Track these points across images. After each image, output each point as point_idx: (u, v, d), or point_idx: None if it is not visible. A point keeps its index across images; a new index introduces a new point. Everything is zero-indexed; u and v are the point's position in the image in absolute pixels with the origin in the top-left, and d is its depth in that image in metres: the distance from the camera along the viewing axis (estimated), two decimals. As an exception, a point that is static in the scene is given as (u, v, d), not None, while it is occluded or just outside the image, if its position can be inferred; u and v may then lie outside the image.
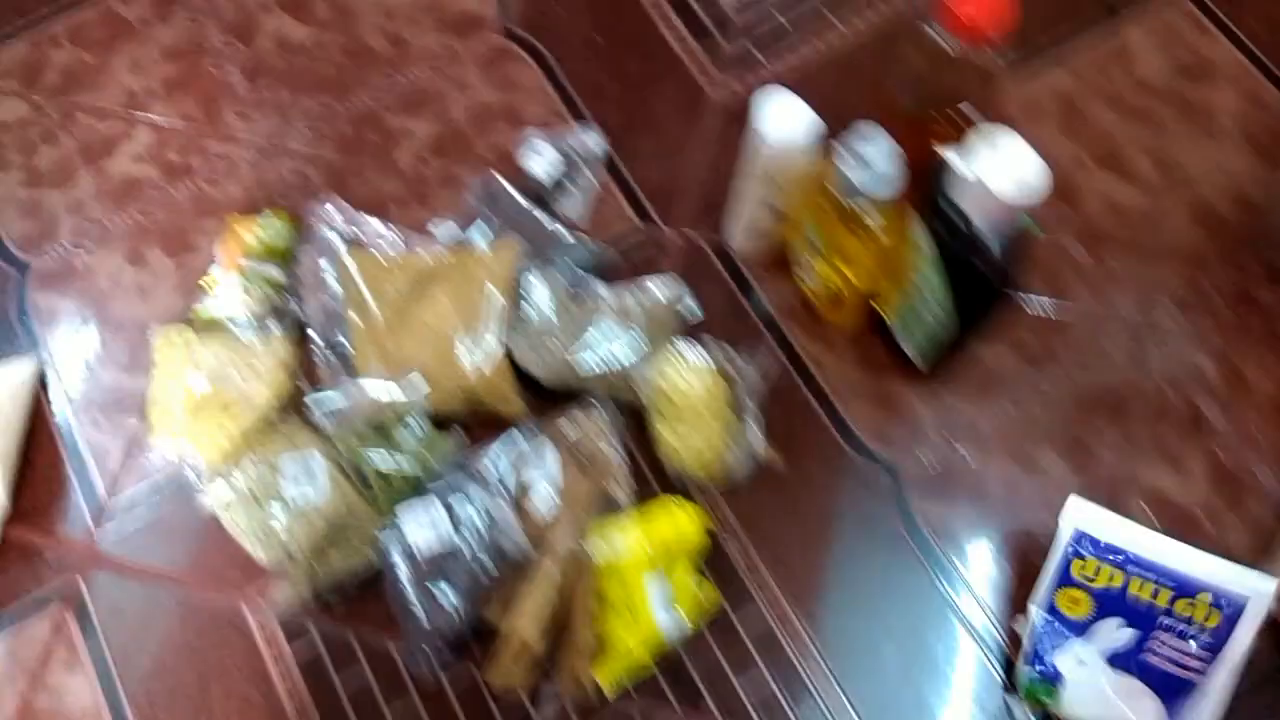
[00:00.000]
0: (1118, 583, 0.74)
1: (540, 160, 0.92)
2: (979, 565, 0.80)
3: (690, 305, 0.87)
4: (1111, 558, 0.74)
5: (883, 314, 0.84)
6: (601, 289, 0.85)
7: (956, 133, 0.73)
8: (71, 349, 0.90)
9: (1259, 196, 0.91)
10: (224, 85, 1.01)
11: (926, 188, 0.70)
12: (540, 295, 0.83)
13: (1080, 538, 0.76)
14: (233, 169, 0.96)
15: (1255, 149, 0.93)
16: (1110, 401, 0.85)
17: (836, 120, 0.76)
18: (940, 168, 0.67)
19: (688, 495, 0.81)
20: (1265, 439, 0.83)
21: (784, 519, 0.82)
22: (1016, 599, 0.78)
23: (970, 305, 0.72)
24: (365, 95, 0.99)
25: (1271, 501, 0.81)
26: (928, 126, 0.73)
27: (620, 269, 0.90)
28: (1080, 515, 0.77)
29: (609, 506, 0.79)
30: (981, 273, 0.68)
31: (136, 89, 1.01)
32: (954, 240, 0.68)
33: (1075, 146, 0.94)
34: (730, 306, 0.89)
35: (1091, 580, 0.74)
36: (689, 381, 0.80)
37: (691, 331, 0.87)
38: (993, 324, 0.77)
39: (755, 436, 0.81)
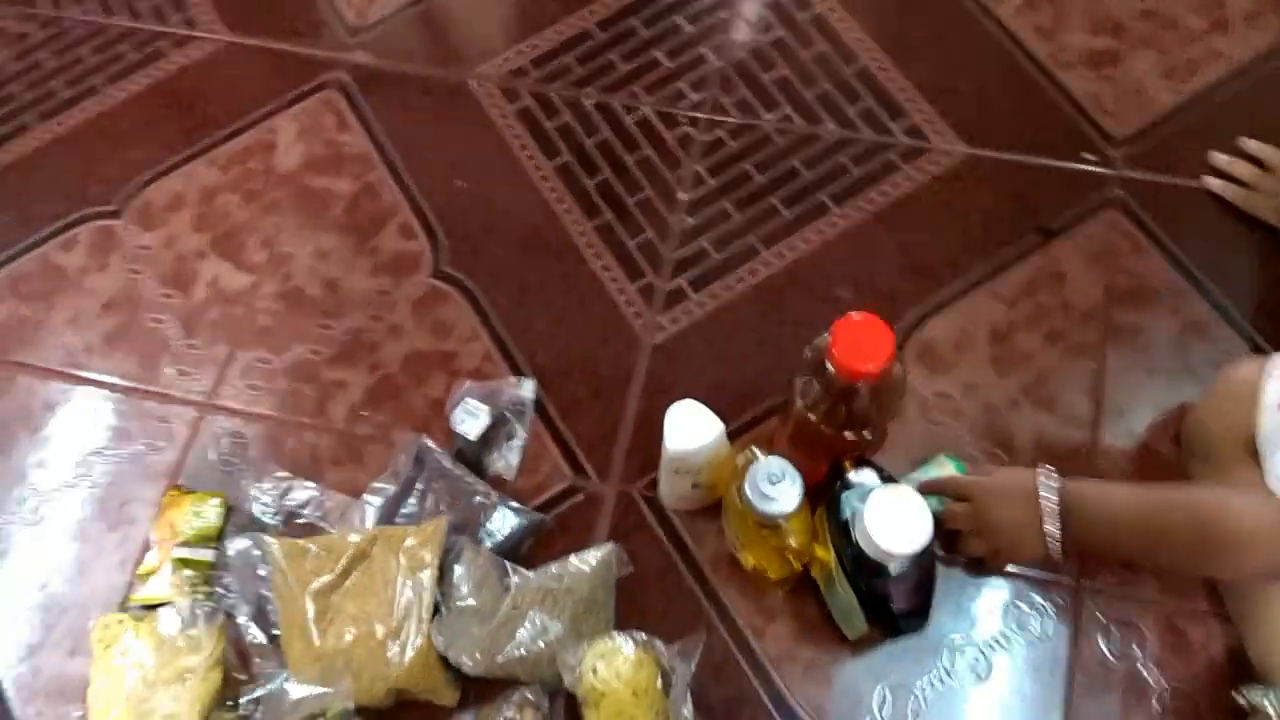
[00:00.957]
0: None
1: (470, 418, 0.92)
2: None
3: (619, 573, 0.86)
4: None
5: (816, 581, 0.83)
6: (528, 573, 0.85)
7: (854, 453, 0.72)
8: (12, 635, 0.90)
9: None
10: (162, 339, 1.01)
11: (830, 507, 0.69)
12: (464, 581, 0.83)
13: None
14: (171, 432, 0.97)
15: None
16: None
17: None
18: (838, 491, 0.67)
19: (622, 785, 0.81)
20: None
21: (720, 807, 0.81)
22: None
23: (880, 615, 0.71)
24: (301, 346, 1.00)
25: None
26: (832, 442, 0.72)
27: (552, 530, 0.90)
28: None
29: (540, 813, 0.78)
30: (882, 599, 0.67)
31: (76, 345, 1.02)
32: (856, 565, 0.67)
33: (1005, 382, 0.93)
34: (666, 568, 0.88)
35: None
36: (618, 675, 0.79)
37: (626, 597, 0.86)
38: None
39: (688, 724, 0.80)
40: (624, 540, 0.88)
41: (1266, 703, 0.74)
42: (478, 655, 0.81)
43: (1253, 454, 0.77)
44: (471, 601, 0.83)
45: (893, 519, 0.62)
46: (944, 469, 0.86)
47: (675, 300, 0.99)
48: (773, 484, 0.67)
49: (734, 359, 0.95)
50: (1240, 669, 0.79)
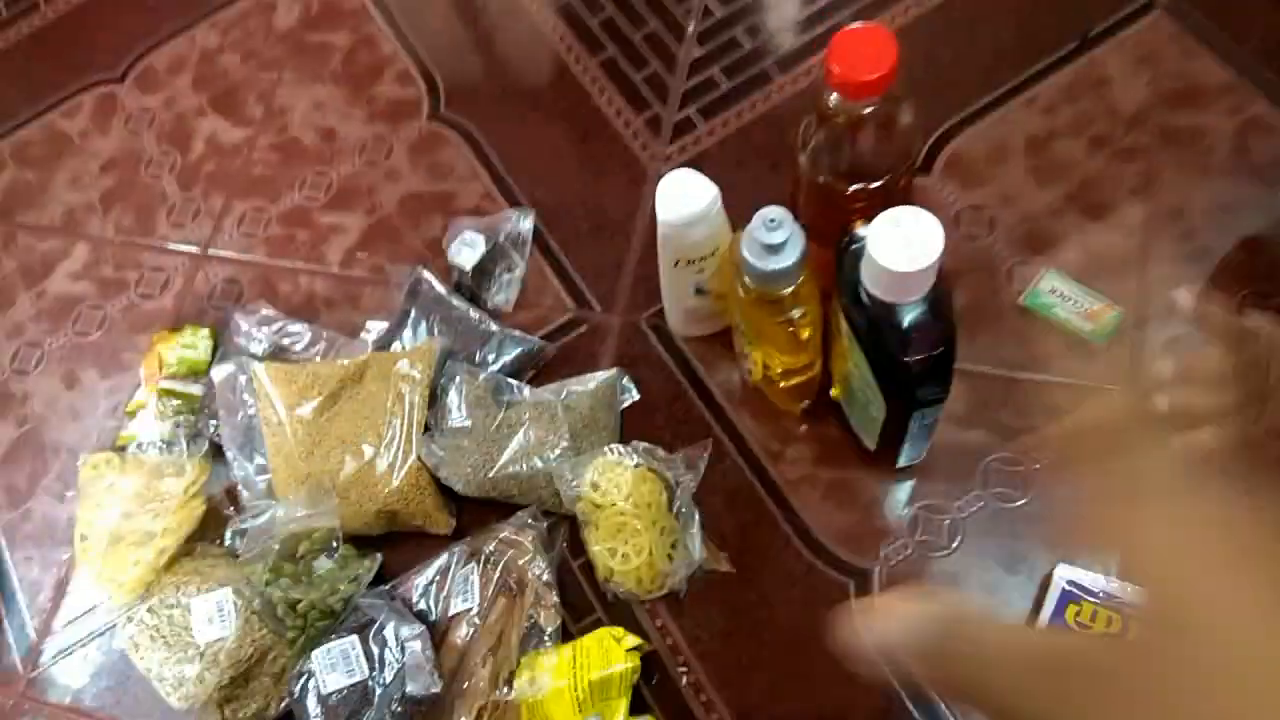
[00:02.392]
0: (1116, 627, 0.68)
1: (466, 249, 0.87)
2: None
3: (623, 399, 0.80)
4: (1109, 601, 0.69)
5: (834, 393, 0.76)
6: (525, 389, 0.80)
7: (869, 209, 0.66)
8: (4, 483, 0.88)
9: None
10: (159, 194, 0.99)
11: (840, 269, 0.63)
12: (458, 401, 0.78)
13: (1074, 585, 0.70)
14: (166, 281, 0.94)
15: None
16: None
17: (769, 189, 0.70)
18: (846, 249, 0.60)
19: (628, 612, 0.75)
20: None
21: (734, 633, 0.74)
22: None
23: (897, 391, 0.63)
24: (296, 193, 0.96)
25: None
26: (839, 201, 0.65)
27: (554, 361, 0.84)
28: (1070, 572, 0.71)
29: (537, 637, 0.72)
30: (899, 360, 0.60)
31: (75, 204, 1.00)
32: (869, 325, 0.60)
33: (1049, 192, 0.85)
34: (675, 395, 0.82)
35: (1089, 627, 0.68)
36: (618, 489, 0.73)
37: (633, 425, 0.80)
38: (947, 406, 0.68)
39: (695, 545, 0.74)
40: (631, 369, 0.83)
41: None
42: (469, 472, 0.76)
43: None
44: (465, 421, 0.78)
45: (899, 237, 0.54)
46: (1063, 282, 0.79)
47: (683, 130, 0.93)
48: (771, 230, 0.60)
49: (746, 186, 0.86)
50: None
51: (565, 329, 0.86)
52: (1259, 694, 0.20)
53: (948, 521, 0.75)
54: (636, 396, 0.81)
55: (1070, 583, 0.70)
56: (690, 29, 0.97)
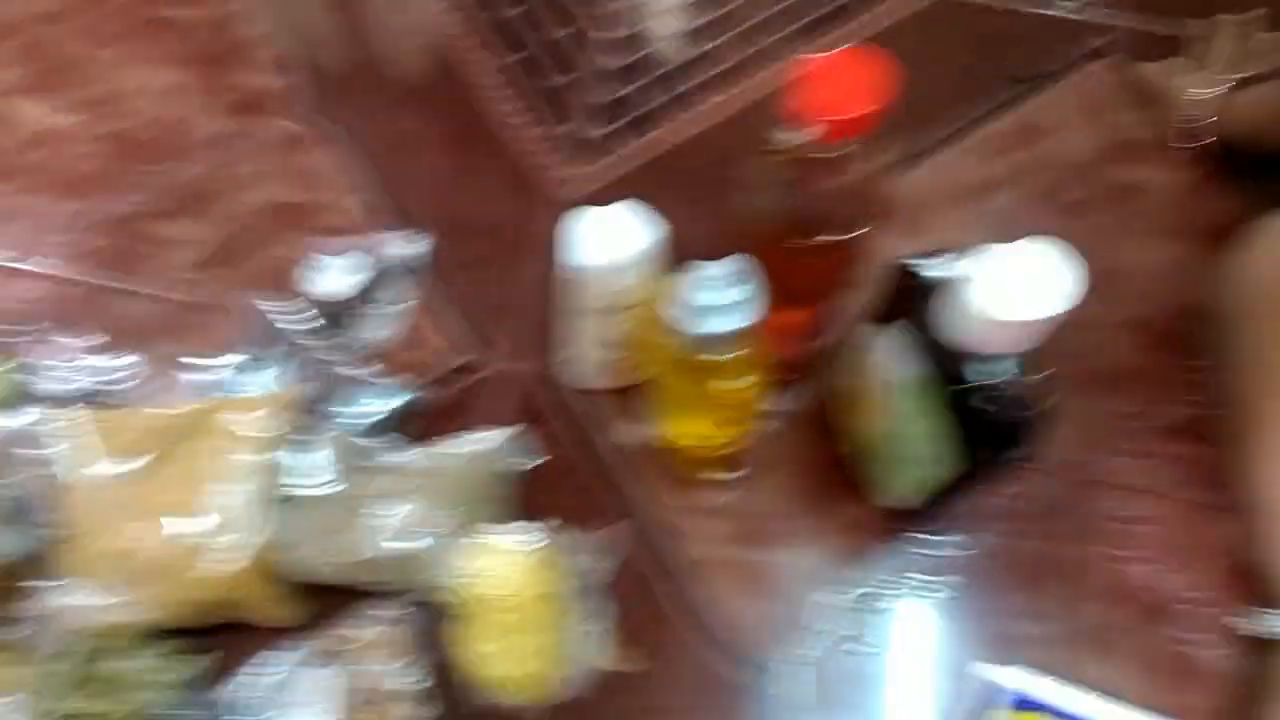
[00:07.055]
0: None
1: (333, 278, 0.74)
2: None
3: (518, 463, 0.69)
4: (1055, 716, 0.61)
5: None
6: (396, 453, 0.67)
7: (834, 265, 0.56)
8: None
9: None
10: (-40, 189, 0.81)
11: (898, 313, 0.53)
12: (310, 463, 0.65)
13: (1020, 698, 0.62)
14: (-33, 298, 0.77)
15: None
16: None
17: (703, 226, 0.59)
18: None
19: (511, 723, 0.63)
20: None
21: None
22: None
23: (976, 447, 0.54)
24: (132, 196, 0.80)
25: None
26: (802, 256, 0.55)
27: (437, 417, 0.72)
28: (1016, 678, 0.63)
29: (396, 756, 0.60)
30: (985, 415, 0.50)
31: None
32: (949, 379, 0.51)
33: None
34: (575, 462, 0.71)
35: None
36: (506, 576, 0.62)
37: (522, 499, 0.69)
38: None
39: (596, 642, 0.63)
40: (530, 429, 0.71)
41: None
42: (323, 554, 0.63)
43: None
44: (323, 489, 0.65)
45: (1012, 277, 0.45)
46: None
47: (601, 151, 0.82)
48: (719, 289, 0.50)
49: (668, 217, 0.79)
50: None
51: (451, 378, 0.74)
52: None
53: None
54: (536, 460, 0.70)
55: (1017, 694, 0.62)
56: (619, 34, 0.86)
